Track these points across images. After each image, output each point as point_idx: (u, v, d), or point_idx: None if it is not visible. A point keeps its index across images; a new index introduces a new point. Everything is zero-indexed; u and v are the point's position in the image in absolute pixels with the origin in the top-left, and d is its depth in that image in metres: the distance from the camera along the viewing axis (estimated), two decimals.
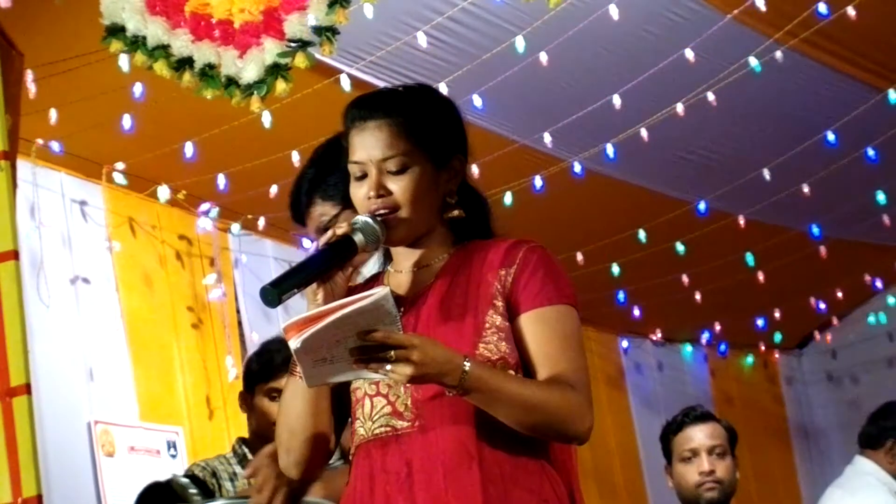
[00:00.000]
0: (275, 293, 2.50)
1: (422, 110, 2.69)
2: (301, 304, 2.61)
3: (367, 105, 2.69)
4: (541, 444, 2.62)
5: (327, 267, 2.58)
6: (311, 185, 3.27)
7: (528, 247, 2.66)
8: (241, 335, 6.99)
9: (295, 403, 2.65)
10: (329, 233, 2.61)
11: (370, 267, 2.89)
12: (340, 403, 2.69)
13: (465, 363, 2.47)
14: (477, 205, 2.77)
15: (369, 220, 2.61)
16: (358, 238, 2.59)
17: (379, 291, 2.41)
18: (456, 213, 2.71)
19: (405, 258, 2.72)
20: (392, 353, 2.42)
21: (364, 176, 2.65)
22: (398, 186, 2.63)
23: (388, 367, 2.43)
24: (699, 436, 4.85)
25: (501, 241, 2.70)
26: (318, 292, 2.58)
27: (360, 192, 2.65)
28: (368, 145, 2.65)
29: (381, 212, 2.63)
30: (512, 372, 2.59)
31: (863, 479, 5.58)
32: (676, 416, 4.97)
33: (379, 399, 2.61)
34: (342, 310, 2.39)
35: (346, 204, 3.04)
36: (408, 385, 2.57)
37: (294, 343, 2.39)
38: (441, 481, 2.53)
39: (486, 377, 2.50)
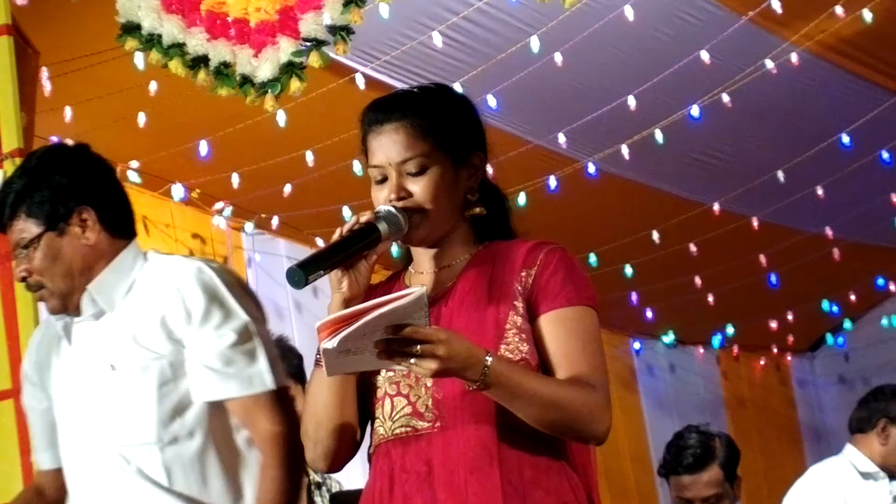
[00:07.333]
0: (302, 274, 2.49)
1: (438, 110, 2.68)
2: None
3: (384, 107, 2.68)
4: (560, 445, 2.61)
5: (353, 251, 2.57)
6: (17, 199, 3.13)
7: (549, 248, 2.65)
8: None
9: (321, 392, 2.63)
10: (353, 219, 2.60)
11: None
12: (363, 401, 2.68)
13: (487, 358, 2.46)
14: (498, 202, 2.76)
15: (392, 209, 2.60)
16: (381, 226, 2.59)
17: (416, 292, 2.39)
18: (478, 210, 2.70)
19: (426, 258, 2.71)
20: (418, 347, 2.41)
21: (384, 179, 2.65)
22: (419, 187, 2.63)
23: (413, 360, 2.42)
24: (693, 487, 4.78)
25: (522, 242, 2.69)
26: (343, 280, 2.56)
27: (380, 196, 2.64)
28: (387, 148, 2.64)
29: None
30: None
31: (834, 460, 5.54)
32: (668, 457, 4.89)
33: (399, 399, 2.60)
34: (378, 310, 2.38)
35: (50, 226, 3.09)
36: (428, 386, 2.57)
37: (330, 343, 2.38)
38: (462, 480, 2.53)
39: (508, 372, 2.49)
